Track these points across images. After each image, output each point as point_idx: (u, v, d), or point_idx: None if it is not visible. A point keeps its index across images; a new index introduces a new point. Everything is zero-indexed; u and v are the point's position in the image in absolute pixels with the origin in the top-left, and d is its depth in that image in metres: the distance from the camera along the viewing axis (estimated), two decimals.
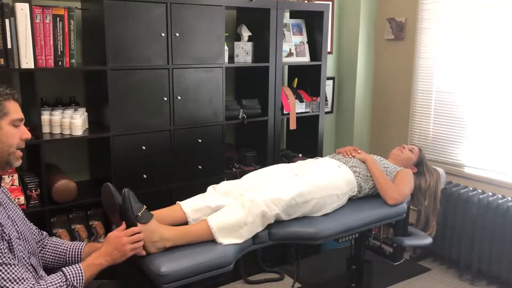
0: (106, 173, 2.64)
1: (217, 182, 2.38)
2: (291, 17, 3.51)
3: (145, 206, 1.92)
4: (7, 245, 1.50)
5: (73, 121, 2.45)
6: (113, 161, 2.59)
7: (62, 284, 1.57)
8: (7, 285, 1.44)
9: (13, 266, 1.47)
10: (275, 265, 3.38)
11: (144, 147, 2.67)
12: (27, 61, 2.26)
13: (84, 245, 1.85)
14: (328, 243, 3.56)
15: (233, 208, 2.10)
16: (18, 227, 1.62)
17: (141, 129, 2.66)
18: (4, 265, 1.45)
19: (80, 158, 2.88)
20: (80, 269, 1.63)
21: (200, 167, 2.90)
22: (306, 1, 3.36)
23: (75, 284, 1.59)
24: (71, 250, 1.83)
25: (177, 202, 2.24)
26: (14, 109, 1.58)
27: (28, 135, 1.64)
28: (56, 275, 1.60)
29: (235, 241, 2.04)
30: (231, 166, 3.13)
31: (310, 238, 2.21)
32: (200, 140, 2.88)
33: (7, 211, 1.61)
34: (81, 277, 1.62)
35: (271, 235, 2.17)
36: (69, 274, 1.60)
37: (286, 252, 3.43)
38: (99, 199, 2.60)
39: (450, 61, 3.41)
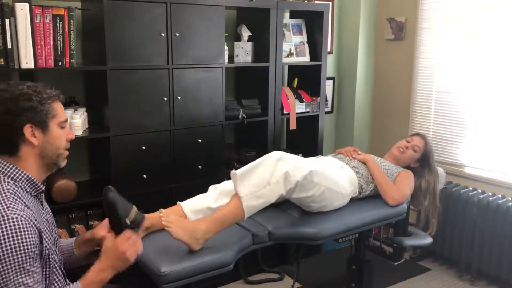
0: (106, 173, 2.64)
1: (217, 182, 2.37)
2: (291, 17, 3.51)
3: (134, 206, 1.79)
4: (47, 252, 1.50)
5: (73, 121, 2.45)
6: (113, 161, 2.59)
7: None
8: None
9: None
10: (275, 265, 3.38)
11: (144, 147, 2.67)
12: (27, 61, 2.26)
13: (74, 240, 1.83)
14: (328, 243, 3.55)
15: (259, 165, 2.08)
16: (53, 232, 1.62)
17: (141, 129, 2.66)
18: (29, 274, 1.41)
19: (80, 158, 2.88)
20: None
21: (200, 167, 2.90)
22: (306, 1, 3.36)
23: None
24: (64, 248, 1.81)
25: (178, 202, 2.23)
26: (60, 111, 1.57)
27: (72, 135, 1.62)
28: None
29: (257, 201, 2.01)
30: (231, 166, 3.13)
31: (310, 238, 2.21)
32: (200, 140, 2.87)
33: (47, 215, 1.62)
34: None
35: (271, 235, 2.17)
36: None
37: (286, 252, 3.43)
38: (99, 199, 2.60)
39: (450, 61, 3.41)
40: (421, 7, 3.55)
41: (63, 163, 1.62)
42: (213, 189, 2.31)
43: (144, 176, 2.70)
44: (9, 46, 2.21)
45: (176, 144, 2.80)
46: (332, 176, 2.33)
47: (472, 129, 3.32)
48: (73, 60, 2.40)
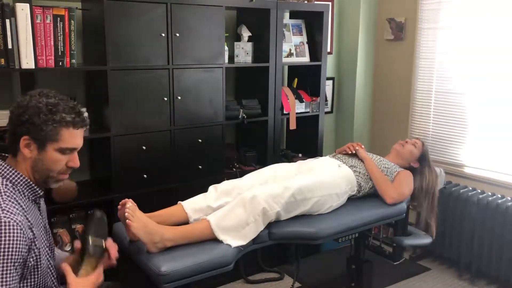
0: (106, 173, 2.64)
1: (217, 182, 2.38)
2: (291, 17, 3.51)
3: (107, 240, 1.65)
4: (35, 260, 1.46)
5: None
6: (113, 161, 2.59)
7: None
8: None
9: None
10: (275, 264, 3.39)
11: (144, 147, 2.68)
12: (27, 61, 2.26)
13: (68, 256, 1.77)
14: (328, 243, 3.56)
15: (234, 208, 2.10)
16: (49, 238, 1.62)
17: (141, 129, 2.67)
18: None
19: (81, 158, 2.83)
20: None
21: (200, 167, 2.90)
22: (306, 2, 3.36)
23: None
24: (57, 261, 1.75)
25: (179, 202, 2.24)
26: (69, 138, 1.51)
27: (75, 164, 1.56)
28: None
29: (240, 242, 2.04)
30: (231, 166, 3.14)
31: (310, 238, 2.22)
32: (200, 140, 2.88)
33: (44, 220, 1.61)
34: None
35: (271, 235, 2.18)
36: None
37: (286, 252, 3.43)
38: (100, 199, 2.62)
39: (450, 61, 3.42)
40: (421, 7, 3.55)
41: (54, 186, 1.59)
42: (213, 189, 2.31)
43: (145, 176, 2.71)
44: (9, 46, 2.22)
45: (176, 144, 2.80)
46: (323, 182, 2.35)
47: (472, 129, 3.33)
48: (73, 60, 2.40)
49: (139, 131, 2.66)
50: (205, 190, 2.32)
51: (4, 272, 1.35)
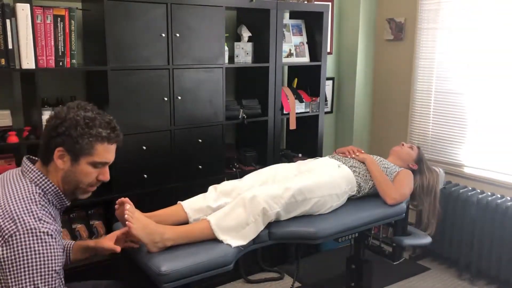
0: None
1: (217, 182, 2.38)
2: (290, 17, 3.51)
3: None
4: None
5: None
6: (114, 160, 2.59)
7: None
8: None
9: None
10: (275, 264, 3.39)
11: (144, 147, 2.68)
12: (28, 62, 2.27)
13: (72, 244, 1.85)
14: (327, 243, 3.56)
15: (234, 208, 2.10)
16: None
17: (141, 129, 2.67)
18: None
19: None
20: None
21: (200, 167, 2.91)
22: (305, 2, 3.37)
23: None
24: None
25: (179, 202, 2.24)
26: (102, 152, 1.54)
27: (105, 178, 1.60)
28: None
29: (240, 242, 2.05)
30: (231, 166, 3.14)
31: (309, 238, 2.22)
32: (200, 140, 2.88)
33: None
34: None
35: (271, 235, 2.18)
36: None
37: (286, 252, 3.44)
38: (100, 199, 2.63)
39: (450, 61, 3.42)
40: (421, 7, 3.56)
41: (82, 197, 1.62)
42: (212, 189, 2.31)
43: (145, 176, 2.71)
44: (10, 46, 2.22)
45: (176, 144, 2.81)
46: (323, 182, 2.35)
47: (471, 129, 3.34)
48: (74, 61, 2.41)
49: (139, 131, 2.66)
50: (205, 190, 2.33)
51: (51, 281, 1.38)
